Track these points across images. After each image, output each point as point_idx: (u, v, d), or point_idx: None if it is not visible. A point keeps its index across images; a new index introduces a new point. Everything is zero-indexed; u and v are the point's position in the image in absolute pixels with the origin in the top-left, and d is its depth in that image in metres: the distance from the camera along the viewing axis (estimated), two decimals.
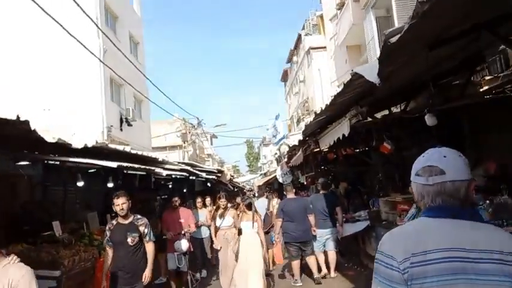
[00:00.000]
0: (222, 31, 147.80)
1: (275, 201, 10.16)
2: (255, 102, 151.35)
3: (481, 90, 5.87)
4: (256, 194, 17.27)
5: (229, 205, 7.32)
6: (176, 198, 7.26)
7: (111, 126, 14.35)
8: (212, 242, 7.28)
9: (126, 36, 17.45)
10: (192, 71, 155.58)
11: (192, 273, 6.88)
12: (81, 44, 7.90)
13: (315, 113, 6.09)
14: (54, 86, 13.40)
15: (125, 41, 16.90)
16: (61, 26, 6.84)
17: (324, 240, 7.34)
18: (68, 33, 7.16)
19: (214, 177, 14.80)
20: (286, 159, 14.10)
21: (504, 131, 5.80)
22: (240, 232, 6.44)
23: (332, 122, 6.10)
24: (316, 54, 24.23)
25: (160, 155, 9.60)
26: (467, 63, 5.12)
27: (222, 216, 6.93)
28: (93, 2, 13.57)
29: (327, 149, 9.15)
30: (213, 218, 7.01)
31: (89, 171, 7.47)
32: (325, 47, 22.79)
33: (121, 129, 15.39)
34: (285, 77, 37.85)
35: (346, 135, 5.19)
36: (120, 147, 6.72)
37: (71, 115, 12.77)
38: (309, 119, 7.92)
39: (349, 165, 10.91)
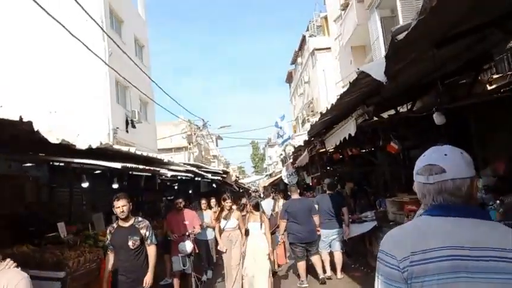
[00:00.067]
0: (225, 32, 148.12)
1: (281, 202, 10.11)
2: (260, 103, 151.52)
3: (489, 89, 5.80)
4: (262, 195, 17.23)
5: (234, 207, 7.26)
6: (180, 200, 7.12)
7: (117, 128, 14.40)
8: (217, 243, 7.24)
9: (131, 39, 17.56)
10: (195, 72, 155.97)
11: (196, 276, 6.81)
12: (87, 47, 7.94)
13: (321, 113, 6.04)
14: (60, 88, 13.48)
15: (130, 44, 16.99)
16: (66, 29, 6.88)
17: (330, 241, 7.28)
18: (74, 36, 7.19)
19: (219, 178, 14.78)
20: (291, 160, 14.05)
21: None
22: (247, 233, 6.40)
23: (338, 122, 6.04)
24: (320, 55, 24.21)
25: (165, 157, 9.59)
26: (474, 62, 5.06)
27: (226, 217, 6.87)
28: (98, 6, 13.67)
29: (332, 149, 9.10)
30: (218, 220, 6.92)
31: (95, 172, 7.50)
32: (329, 48, 22.76)
33: (127, 131, 15.45)
34: (289, 78, 37.85)
35: (353, 134, 5.13)
36: (125, 148, 6.72)
37: (76, 117, 12.84)
38: (314, 119, 7.87)
39: (355, 166, 10.85)
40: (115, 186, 7.38)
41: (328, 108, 5.27)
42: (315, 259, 7.06)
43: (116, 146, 6.88)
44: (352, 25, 15.69)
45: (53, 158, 5.46)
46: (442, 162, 1.33)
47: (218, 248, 6.91)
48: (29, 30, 13.37)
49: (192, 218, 7.03)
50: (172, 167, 9.37)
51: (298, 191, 8.01)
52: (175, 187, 13.39)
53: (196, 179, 12.01)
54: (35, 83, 13.37)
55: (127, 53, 10.95)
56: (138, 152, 7.01)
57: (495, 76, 5.85)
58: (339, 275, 7.18)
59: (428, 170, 1.35)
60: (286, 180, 14.73)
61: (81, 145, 4.98)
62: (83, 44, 7.71)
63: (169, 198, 11.39)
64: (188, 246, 6.43)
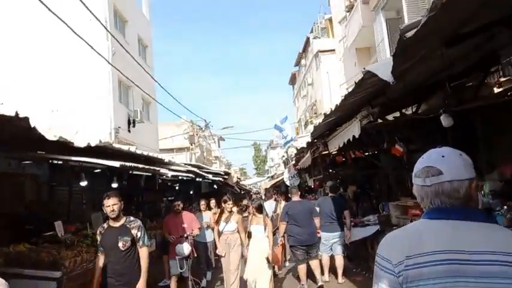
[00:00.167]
0: (228, 32, 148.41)
1: (283, 204, 10.02)
2: (263, 104, 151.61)
3: (495, 92, 5.71)
4: (264, 197, 17.14)
5: (234, 209, 7.12)
6: (178, 202, 6.94)
7: (119, 127, 14.38)
8: (216, 246, 7.09)
9: (135, 39, 17.56)
10: (198, 73, 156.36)
11: (194, 279, 6.66)
12: (90, 46, 7.90)
13: (325, 114, 5.93)
14: (62, 87, 13.49)
15: (133, 44, 17.00)
16: (70, 28, 6.84)
17: (331, 244, 7.18)
18: (77, 35, 7.15)
19: (220, 179, 14.72)
20: (293, 162, 13.95)
21: None
22: (249, 236, 6.29)
23: (342, 123, 5.95)
24: (324, 57, 24.17)
25: (166, 157, 9.52)
26: (481, 64, 4.96)
27: (226, 220, 6.61)
28: (102, 6, 13.66)
29: (335, 152, 8.99)
30: (218, 223, 6.67)
31: (95, 171, 7.42)
32: (333, 50, 22.69)
33: (129, 131, 15.43)
34: (293, 80, 37.83)
35: (357, 136, 5.03)
36: (125, 147, 6.64)
37: (79, 116, 12.82)
38: (317, 121, 7.78)
39: (358, 168, 10.75)
40: (114, 185, 7.29)
41: (332, 109, 5.18)
42: (314, 264, 6.95)
43: (116, 145, 6.80)
44: (357, 27, 15.60)
45: (52, 156, 5.39)
46: (440, 164, 1.31)
47: (217, 252, 6.74)
48: (33, 29, 13.38)
49: (190, 221, 6.87)
50: (172, 167, 9.30)
51: (299, 193, 7.91)
52: (176, 187, 13.31)
53: (197, 179, 11.93)
54: (38, 81, 13.39)
55: (130, 52, 10.92)
56: (138, 151, 6.93)
57: (502, 79, 5.76)
58: (340, 279, 7.08)
59: (425, 172, 1.33)
60: (288, 183, 14.64)
61: (80, 143, 4.90)
62: (87, 43, 7.68)
63: (169, 198, 11.32)
64: (186, 248, 6.30)
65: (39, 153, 5.18)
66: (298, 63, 32.92)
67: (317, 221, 6.95)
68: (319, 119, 13.78)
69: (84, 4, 6.50)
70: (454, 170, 1.29)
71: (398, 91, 4.40)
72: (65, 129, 8.62)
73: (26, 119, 3.20)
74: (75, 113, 12.90)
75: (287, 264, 8.74)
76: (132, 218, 4.30)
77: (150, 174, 8.70)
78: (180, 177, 10.55)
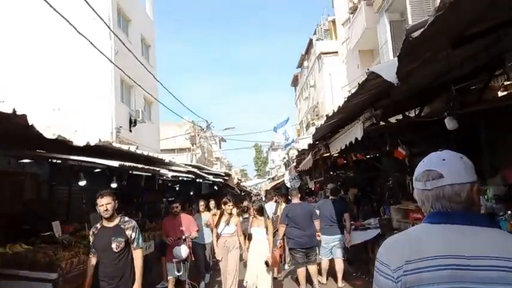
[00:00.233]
0: (229, 33, 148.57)
1: (283, 206, 9.96)
2: (265, 106, 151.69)
3: (500, 95, 5.65)
4: (264, 199, 17.05)
5: (234, 210, 7.03)
6: (176, 204, 6.80)
7: (120, 127, 14.34)
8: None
9: (137, 38, 17.54)
10: (198, 73, 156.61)
11: (191, 283, 6.56)
12: (93, 44, 7.87)
13: (327, 115, 5.87)
14: (64, 85, 13.46)
15: (136, 43, 16.97)
16: (73, 26, 6.79)
17: (331, 247, 7.11)
18: (80, 34, 7.10)
19: (221, 180, 14.66)
20: (294, 164, 13.89)
21: None
22: (250, 238, 6.22)
23: (344, 125, 5.89)
24: (327, 59, 24.12)
25: (167, 157, 9.47)
26: (486, 67, 4.90)
27: (226, 222, 6.47)
28: (105, 5, 13.64)
29: (337, 154, 8.93)
30: (217, 226, 6.52)
31: (94, 171, 7.38)
32: (336, 52, 22.65)
33: (130, 131, 15.39)
34: (295, 82, 37.81)
35: (359, 138, 4.97)
36: (125, 147, 6.59)
37: (80, 115, 12.79)
38: (319, 122, 7.72)
39: (359, 171, 10.68)
40: (114, 185, 7.24)
41: (335, 110, 5.12)
42: (312, 269, 6.88)
43: (116, 145, 6.75)
44: (360, 29, 15.55)
45: (51, 155, 5.34)
46: (440, 168, 1.29)
47: (215, 255, 6.65)
48: (35, 27, 13.37)
49: (188, 223, 6.76)
50: (173, 168, 9.24)
51: (299, 195, 7.86)
52: (177, 188, 13.27)
53: (197, 180, 11.88)
54: (40, 80, 13.37)
55: (133, 52, 10.87)
56: (138, 151, 6.88)
57: (507, 82, 5.70)
58: (340, 283, 7.00)
59: (426, 176, 1.31)
60: (288, 184, 14.60)
61: (78, 142, 4.84)
62: (89, 41, 7.64)
63: (170, 199, 11.26)
64: (184, 251, 6.19)
65: (38, 152, 5.12)
66: (300, 65, 32.91)
67: (317, 224, 6.89)
68: (320, 121, 13.72)
69: (87, 3, 6.47)
70: (454, 173, 1.28)
71: (402, 93, 4.34)
72: (65, 128, 8.58)
73: (24, 117, 3.15)
74: (76, 112, 12.88)
75: (286, 267, 8.68)
76: (126, 218, 4.14)
77: (150, 174, 8.64)
78: (180, 178, 10.50)
